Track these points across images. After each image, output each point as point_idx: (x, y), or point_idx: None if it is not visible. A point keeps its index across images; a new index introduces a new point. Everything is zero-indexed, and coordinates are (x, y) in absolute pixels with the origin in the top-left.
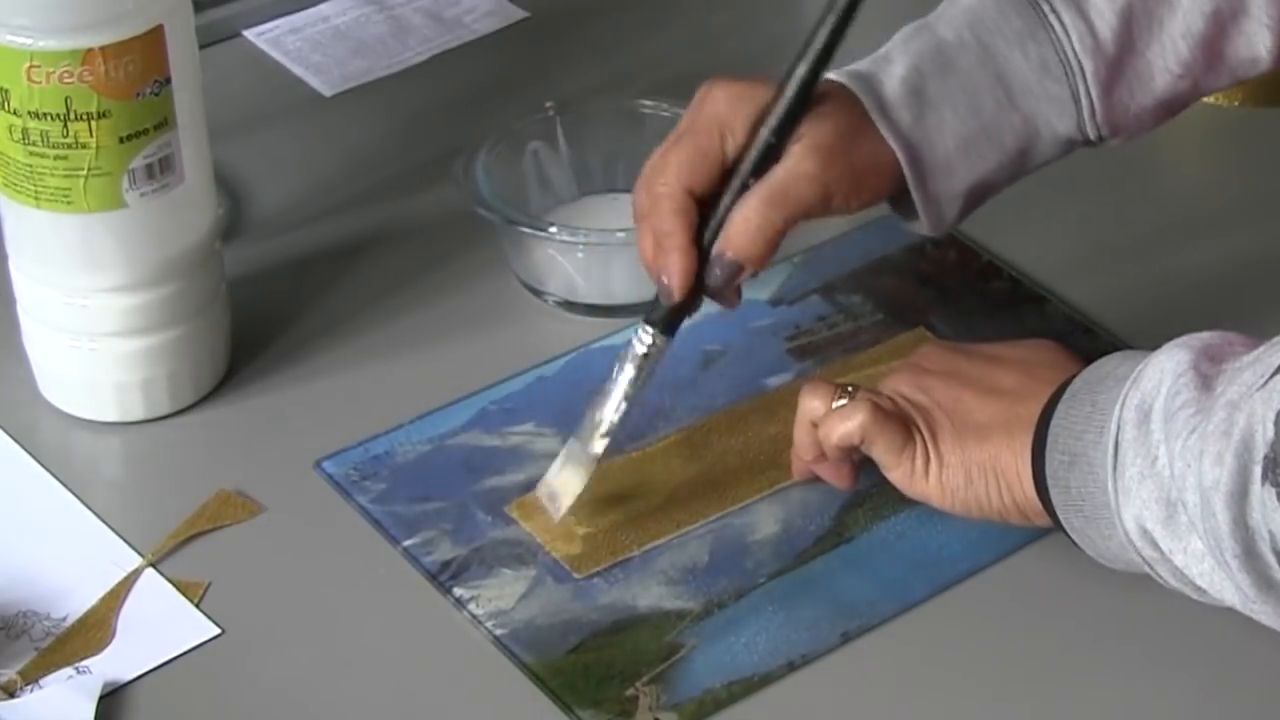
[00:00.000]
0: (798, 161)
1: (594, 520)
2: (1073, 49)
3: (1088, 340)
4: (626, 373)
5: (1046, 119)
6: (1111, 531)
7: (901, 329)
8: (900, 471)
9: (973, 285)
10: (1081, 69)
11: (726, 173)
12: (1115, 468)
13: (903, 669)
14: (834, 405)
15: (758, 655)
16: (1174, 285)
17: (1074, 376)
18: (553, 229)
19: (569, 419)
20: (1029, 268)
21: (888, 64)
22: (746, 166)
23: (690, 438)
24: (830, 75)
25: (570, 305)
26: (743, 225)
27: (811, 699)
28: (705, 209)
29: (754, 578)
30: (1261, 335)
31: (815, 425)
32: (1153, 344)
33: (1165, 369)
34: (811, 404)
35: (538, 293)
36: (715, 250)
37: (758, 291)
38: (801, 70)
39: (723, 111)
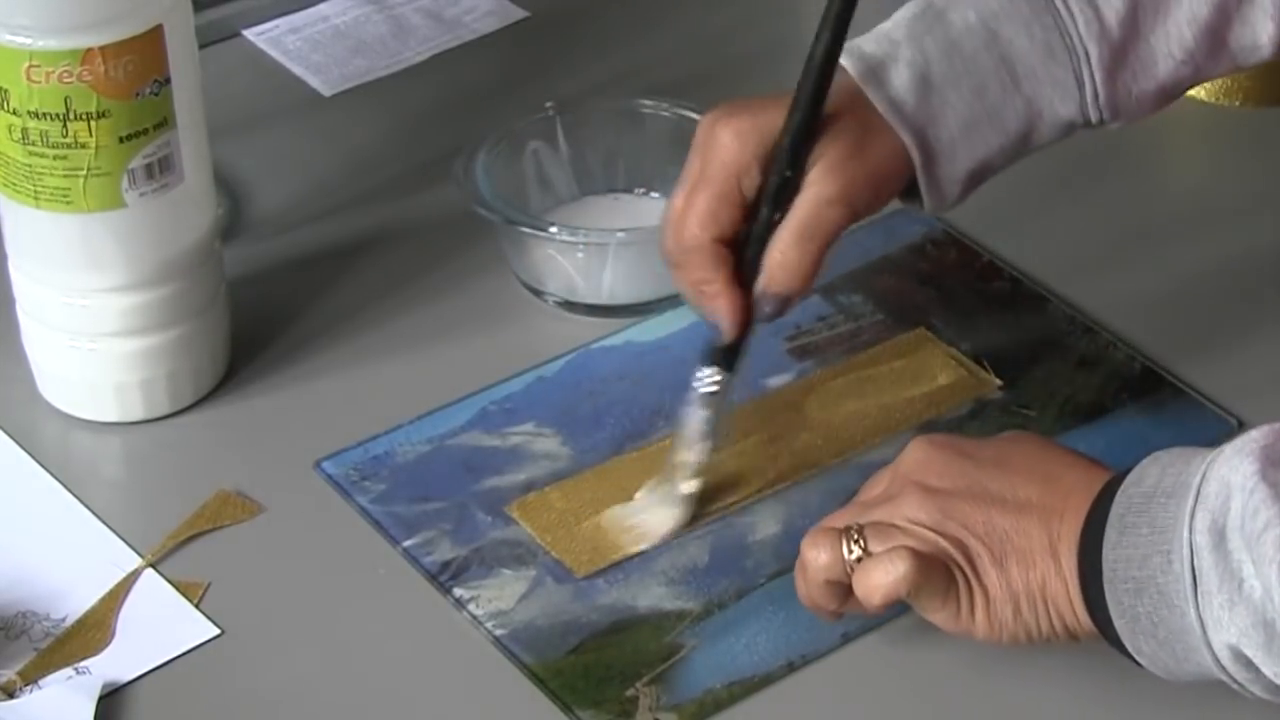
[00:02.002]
0: (818, 190)
1: (594, 520)
2: (1078, 33)
3: (1088, 340)
4: (699, 415)
5: (1050, 102)
6: (1190, 654)
7: (902, 329)
8: (945, 614)
9: (973, 285)
10: (1086, 54)
11: (749, 209)
12: (1197, 596)
13: (903, 669)
14: (848, 555)
15: (758, 655)
16: (1174, 285)
17: (1106, 487)
18: (553, 229)
19: (569, 419)
20: (1029, 268)
21: (894, 49)
22: (768, 206)
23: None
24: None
25: (570, 305)
26: (782, 263)
27: (811, 699)
28: (736, 246)
29: (754, 578)
30: (1263, 338)
31: (830, 581)
32: (1153, 343)
33: (1232, 484)
34: (819, 559)
35: (538, 293)
36: (759, 288)
37: None
38: (800, 116)
39: (732, 154)
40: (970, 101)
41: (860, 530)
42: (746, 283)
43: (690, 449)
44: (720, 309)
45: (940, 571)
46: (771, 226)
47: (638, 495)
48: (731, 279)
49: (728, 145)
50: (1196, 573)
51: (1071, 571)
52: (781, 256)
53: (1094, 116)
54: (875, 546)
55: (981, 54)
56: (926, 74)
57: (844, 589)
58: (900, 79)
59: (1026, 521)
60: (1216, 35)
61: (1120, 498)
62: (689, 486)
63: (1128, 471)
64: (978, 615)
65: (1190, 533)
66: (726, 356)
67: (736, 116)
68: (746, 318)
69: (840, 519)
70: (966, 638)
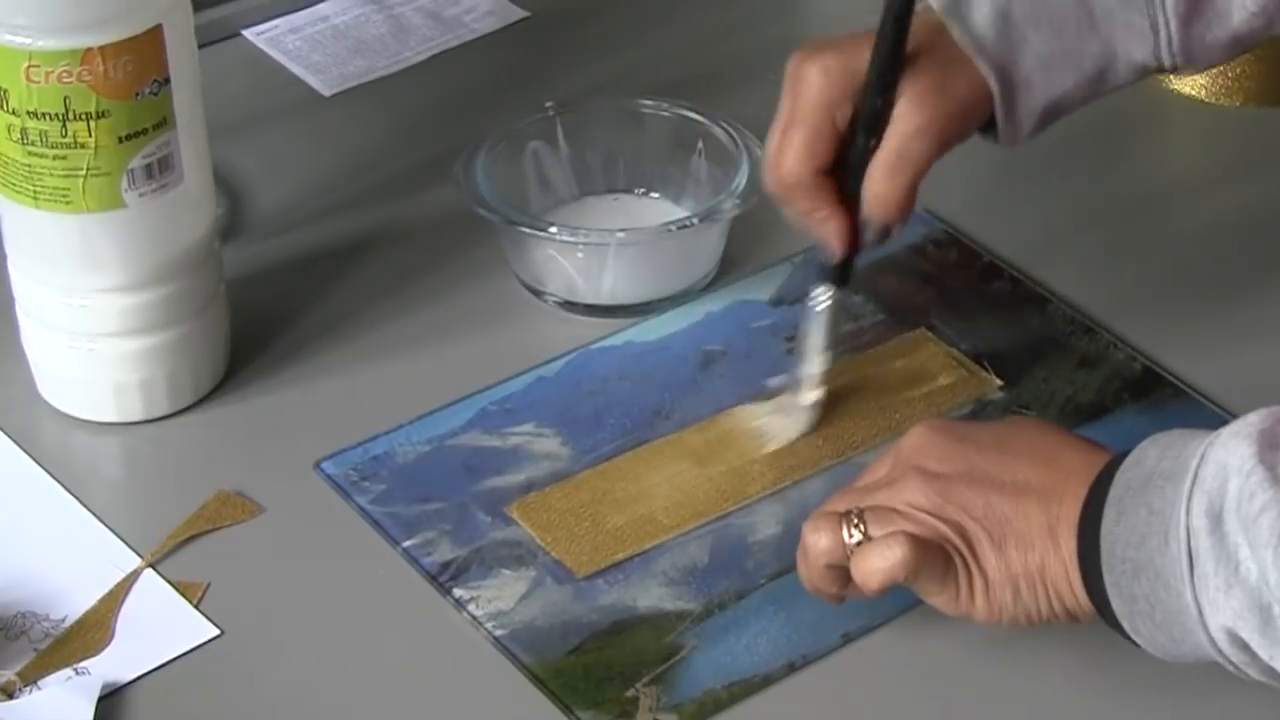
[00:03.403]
0: (906, 123)
1: (594, 520)
2: None
3: (1088, 340)
4: (816, 332)
5: (1125, 46)
6: (1187, 636)
7: (903, 329)
8: (944, 597)
9: (973, 285)
10: (1163, 1)
11: (842, 141)
12: (1193, 578)
13: (903, 669)
14: (848, 539)
15: (758, 656)
16: (1174, 286)
17: (1105, 469)
18: (553, 229)
19: (569, 419)
20: (1029, 268)
21: None
22: (863, 135)
23: (690, 438)
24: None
25: (570, 305)
26: (876, 194)
27: (811, 699)
28: (835, 173)
29: (755, 578)
30: (1263, 338)
31: (830, 566)
32: (1152, 343)
33: (1228, 465)
34: (820, 543)
35: (538, 293)
36: (863, 216)
37: (758, 292)
38: (889, 31)
39: (821, 90)
40: (1048, 40)
41: (860, 514)
42: (851, 205)
43: (812, 361)
44: (829, 232)
45: (938, 556)
46: (868, 154)
47: (763, 405)
48: (836, 203)
49: (816, 82)
50: (1193, 555)
51: (1070, 553)
52: (875, 187)
53: (1167, 62)
54: (875, 531)
55: None
56: (1007, 11)
57: (845, 573)
58: (981, 15)
59: (1026, 504)
60: None
61: (1119, 479)
62: (812, 396)
63: (1127, 453)
64: (977, 598)
65: (1187, 515)
66: (838, 274)
67: (822, 54)
68: (854, 237)
69: (841, 503)
70: (966, 620)
